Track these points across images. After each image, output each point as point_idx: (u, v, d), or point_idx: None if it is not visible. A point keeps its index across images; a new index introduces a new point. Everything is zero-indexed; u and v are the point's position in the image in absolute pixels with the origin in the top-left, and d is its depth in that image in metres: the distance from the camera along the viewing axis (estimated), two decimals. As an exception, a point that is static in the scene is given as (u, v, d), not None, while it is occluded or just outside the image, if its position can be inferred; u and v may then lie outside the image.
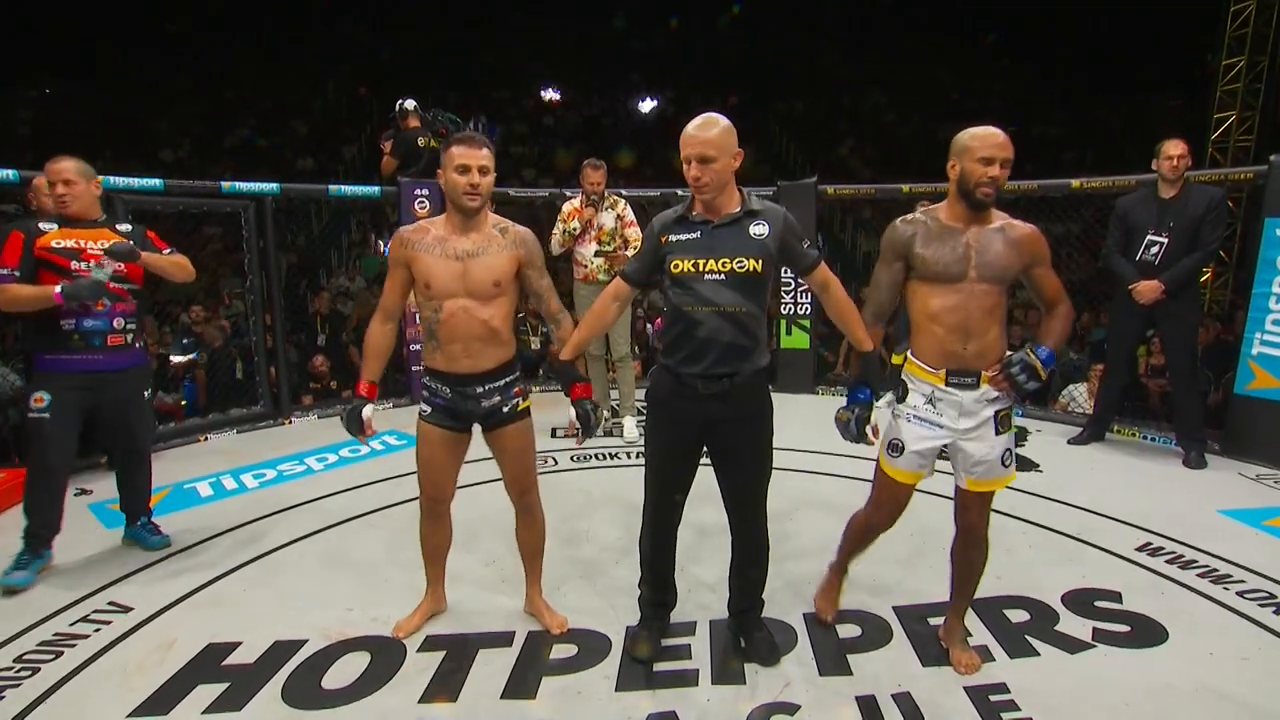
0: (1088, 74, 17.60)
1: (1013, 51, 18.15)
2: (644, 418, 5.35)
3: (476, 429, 2.66)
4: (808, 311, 6.58)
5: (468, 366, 2.49)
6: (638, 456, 4.84)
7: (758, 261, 2.30)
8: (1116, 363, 4.89)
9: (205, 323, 6.93)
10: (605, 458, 4.82)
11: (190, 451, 5.12)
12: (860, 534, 2.66)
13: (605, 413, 5.33)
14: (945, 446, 2.47)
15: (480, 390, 2.53)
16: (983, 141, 2.27)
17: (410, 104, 6.04)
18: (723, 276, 2.28)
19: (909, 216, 2.42)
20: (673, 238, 2.35)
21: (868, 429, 2.43)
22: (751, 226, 2.33)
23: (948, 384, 2.39)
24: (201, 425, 5.54)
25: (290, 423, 5.87)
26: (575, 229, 5.05)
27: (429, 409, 2.61)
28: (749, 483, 2.43)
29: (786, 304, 6.53)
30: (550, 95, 18.50)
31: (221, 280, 8.74)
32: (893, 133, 17.41)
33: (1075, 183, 5.40)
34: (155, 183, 5.02)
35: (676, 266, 2.31)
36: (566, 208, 5.17)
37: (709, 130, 2.27)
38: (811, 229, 6.40)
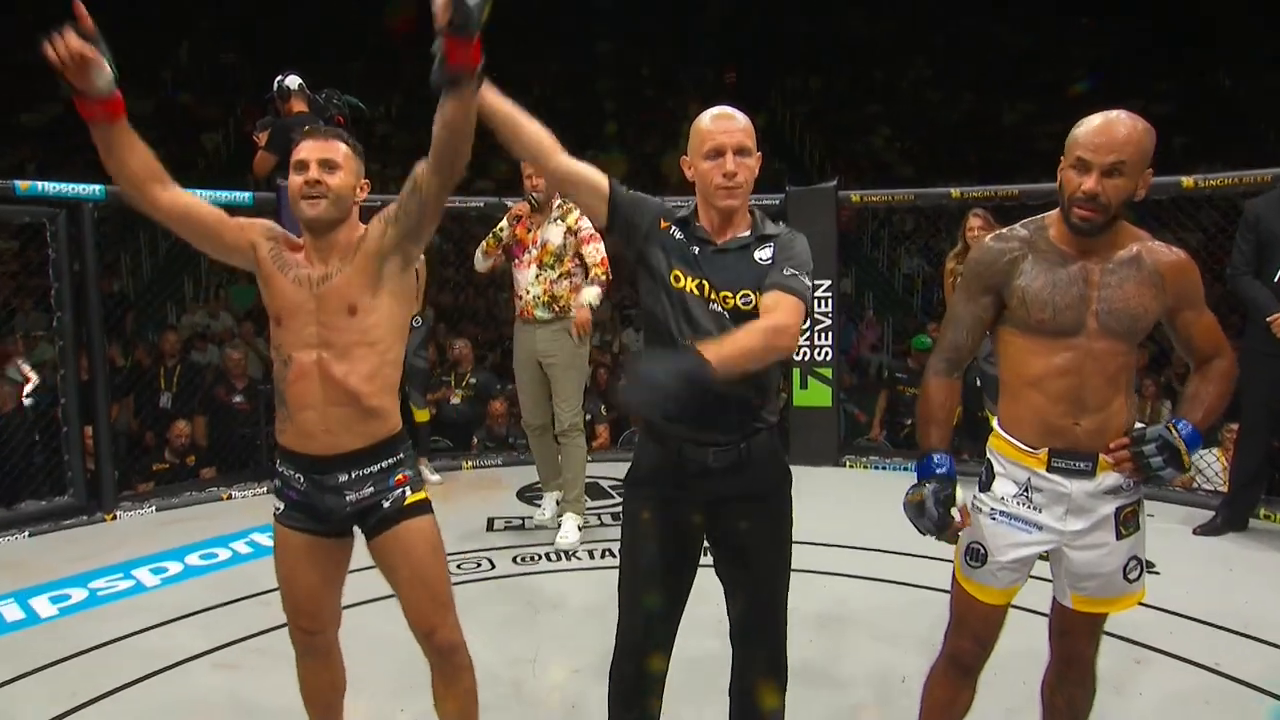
0: (1204, 35, 17.73)
1: (1103, 5, 18.29)
2: (600, 512, 5.41)
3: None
4: (829, 356, 6.69)
5: (324, 445, 2.52)
6: (605, 555, 4.89)
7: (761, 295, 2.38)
8: (1256, 421, 4.92)
9: None
10: (558, 557, 4.90)
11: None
12: (944, 702, 2.58)
13: (548, 504, 5.50)
14: (1046, 553, 2.46)
15: (344, 479, 2.56)
16: (1085, 138, 2.25)
17: (293, 81, 6.09)
18: (726, 313, 2.35)
19: (1005, 232, 2.43)
20: (677, 235, 2.44)
21: (954, 511, 2.38)
22: (757, 252, 2.41)
23: (1051, 469, 2.39)
24: (-33, 525, 5.51)
25: (114, 518, 5.89)
26: (503, 232, 5.18)
27: (282, 505, 2.66)
28: (768, 583, 2.46)
29: (801, 347, 6.68)
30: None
31: (17, 316, 8.75)
32: (938, 116, 17.46)
33: (1188, 180, 5.46)
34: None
35: (678, 279, 2.38)
36: (508, 218, 5.31)
37: (739, 118, 2.39)
38: (831, 251, 6.42)
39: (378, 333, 2.53)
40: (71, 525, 5.72)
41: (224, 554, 5.06)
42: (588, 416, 6.48)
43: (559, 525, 5.24)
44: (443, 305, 10.46)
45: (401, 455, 2.62)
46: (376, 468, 2.58)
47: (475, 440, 7.35)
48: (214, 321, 10.07)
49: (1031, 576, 2.53)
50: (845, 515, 4.68)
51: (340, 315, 2.50)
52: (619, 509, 3.70)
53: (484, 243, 5.27)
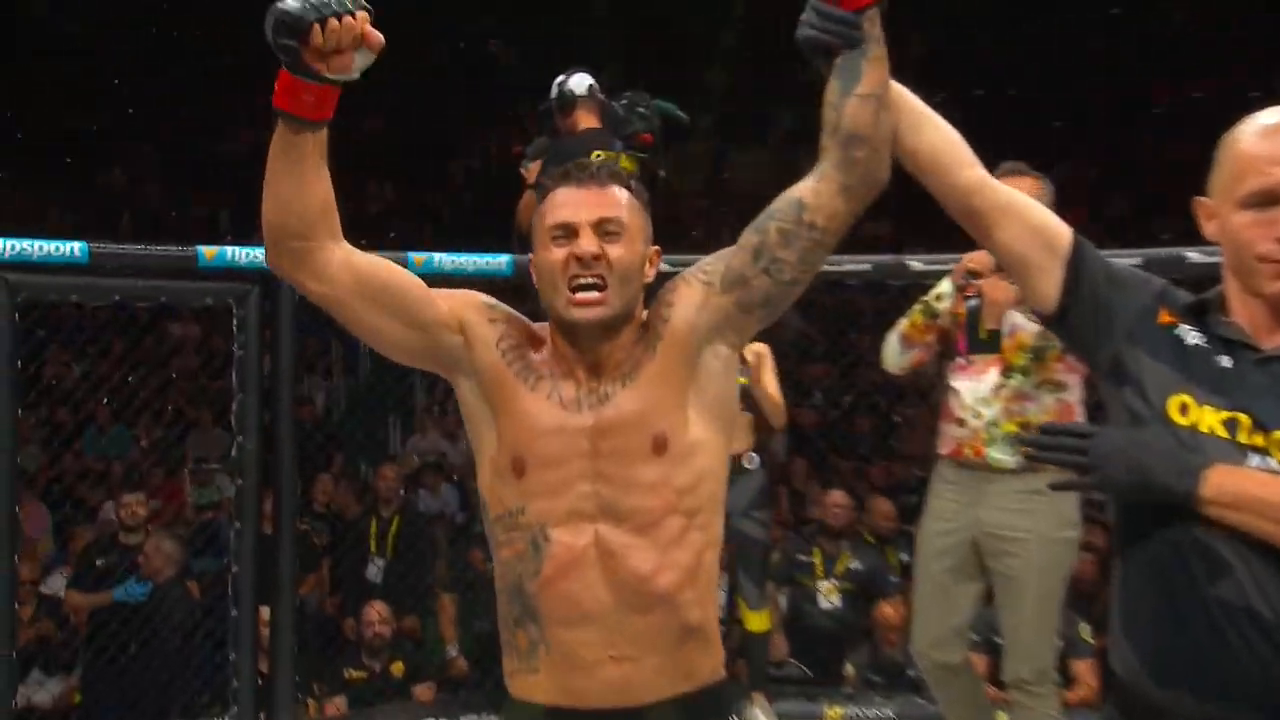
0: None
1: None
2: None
3: None
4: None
5: (610, 689, 2.24)
6: None
7: None
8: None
9: (146, 530, 6.58)
10: None
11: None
12: None
13: None
14: None
15: None
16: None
17: (580, 83, 5.55)
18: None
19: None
20: (1190, 335, 2.11)
21: None
22: None
23: None
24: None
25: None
26: (941, 304, 4.55)
27: None
28: None
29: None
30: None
31: (192, 434, 8.82)
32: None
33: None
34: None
35: (1185, 411, 2.05)
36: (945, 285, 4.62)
37: None
38: None
39: (700, 489, 2.24)
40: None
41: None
42: (1058, 643, 5.08)
43: None
44: (802, 427, 9.49)
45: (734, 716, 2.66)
46: None
47: (851, 668, 6.52)
48: (452, 447, 9.33)
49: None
50: None
51: (635, 459, 2.20)
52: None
53: (904, 322, 4.56)
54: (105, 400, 9.13)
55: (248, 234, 7.98)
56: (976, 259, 4.38)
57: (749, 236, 2.26)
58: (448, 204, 15.54)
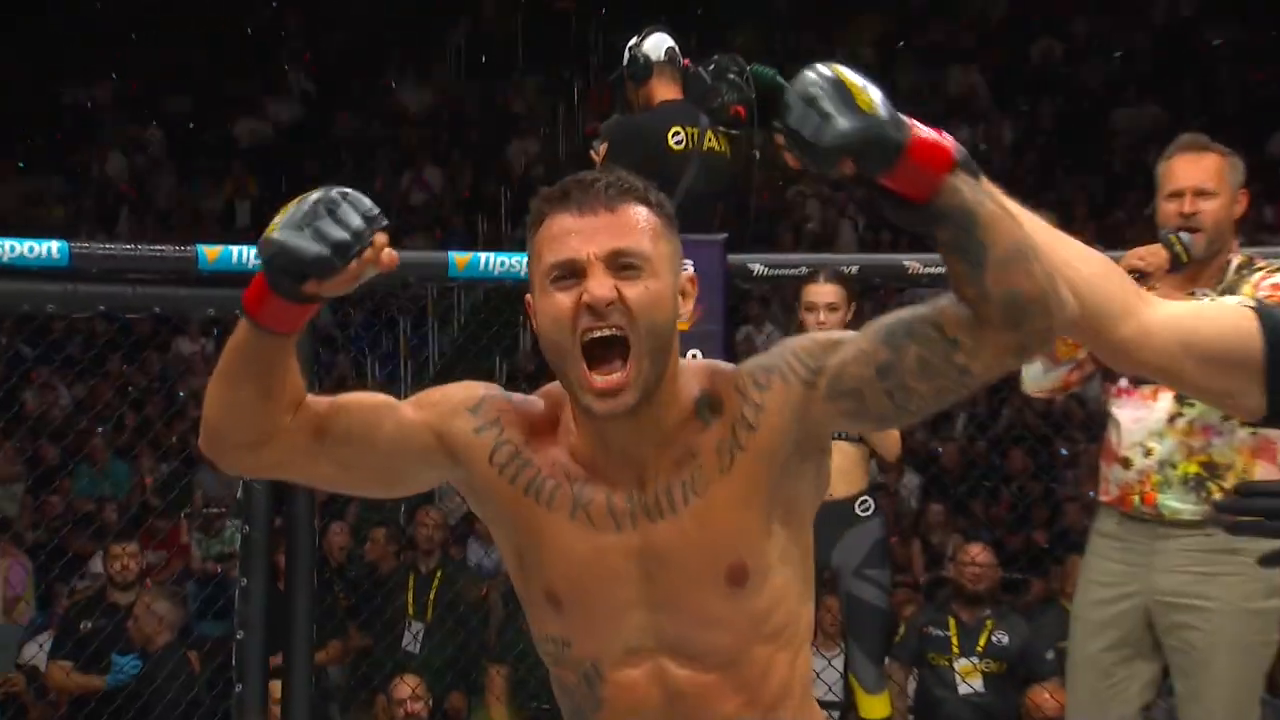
0: None
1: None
2: None
3: None
4: None
5: None
6: None
7: None
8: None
9: (136, 589, 6.69)
10: None
11: None
12: None
13: None
14: None
15: None
16: None
17: (657, 46, 5.70)
18: None
19: None
20: None
21: None
22: None
23: None
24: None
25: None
26: None
27: None
28: None
29: None
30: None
31: (200, 469, 8.68)
32: None
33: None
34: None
35: None
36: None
37: None
38: None
39: (785, 602, 2.20)
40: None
41: None
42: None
43: None
44: (939, 465, 9.47)
45: None
46: None
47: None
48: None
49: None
50: None
51: (704, 591, 2.16)
52: None
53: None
54: (99, 430, 9.16)
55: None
56: (1144, 255, 4.25)
57: (876, 346, 2.12)
58: (505, 193, 15.49)
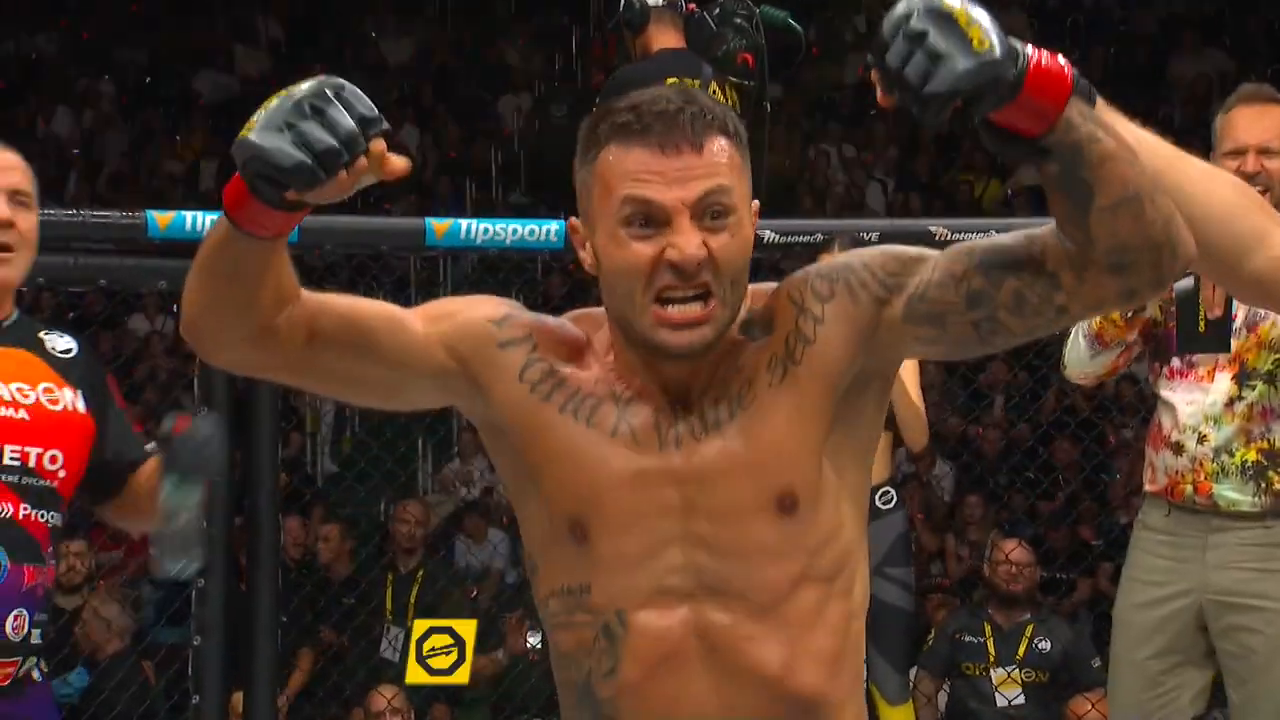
0: None
1: None
2: None
3: None
4: None
5: None
6: None
7: None
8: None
9: (83, 593, 6.90)
10: None
11: None
12: None
13: None
14: None
15: None
16: None
17: None
18: None
19: None
20: None
21: None
22: None
23: None
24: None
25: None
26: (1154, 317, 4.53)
27: None
28: None
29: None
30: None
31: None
32: None
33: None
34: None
35: None
36: None
37: None
38: None
39: (838, 540, 2.15)
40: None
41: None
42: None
43: None
44: (978, 451, 9.58)
45: None
46: None
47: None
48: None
49: None
50: None
51: (750, 519, 2.12)
52: None
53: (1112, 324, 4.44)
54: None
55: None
56: None
57: (968, 271, 2.10)
58: (495, 155, 15.73)
